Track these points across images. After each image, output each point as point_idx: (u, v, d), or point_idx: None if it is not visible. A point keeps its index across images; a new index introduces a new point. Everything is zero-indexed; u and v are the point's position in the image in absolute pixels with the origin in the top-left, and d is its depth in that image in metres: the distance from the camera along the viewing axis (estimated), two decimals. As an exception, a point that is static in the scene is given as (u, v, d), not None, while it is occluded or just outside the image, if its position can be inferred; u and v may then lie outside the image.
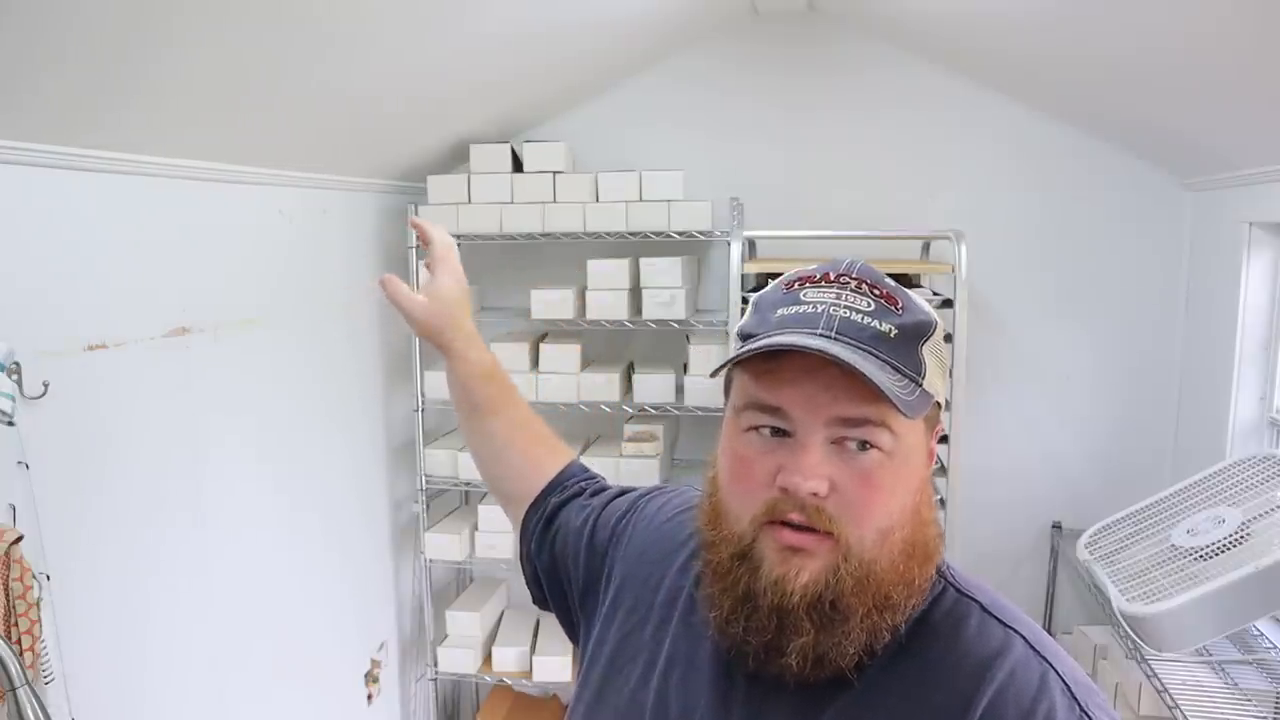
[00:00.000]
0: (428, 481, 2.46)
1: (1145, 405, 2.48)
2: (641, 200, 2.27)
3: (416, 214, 2.34)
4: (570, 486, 0.98)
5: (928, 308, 0.68)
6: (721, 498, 0.69)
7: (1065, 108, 2.35)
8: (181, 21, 1.23)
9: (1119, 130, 2.33)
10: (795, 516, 0.63)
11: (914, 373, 0.64)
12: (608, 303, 2.29)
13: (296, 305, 2.03)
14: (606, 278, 2.29)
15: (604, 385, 2.33)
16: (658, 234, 2.28)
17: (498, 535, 2.42)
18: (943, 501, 2.23)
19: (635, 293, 2.33)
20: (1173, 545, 1.76)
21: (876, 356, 0.63)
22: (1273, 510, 1.67)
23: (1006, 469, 2.52)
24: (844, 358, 0.61)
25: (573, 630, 0.92)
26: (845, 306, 0.65)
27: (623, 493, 0.96)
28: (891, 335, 0.64)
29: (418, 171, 2.42)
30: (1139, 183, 2.40)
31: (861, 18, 2.39)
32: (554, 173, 2.29)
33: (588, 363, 2.42)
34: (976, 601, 0.69)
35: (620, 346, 2.60)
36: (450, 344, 1.02)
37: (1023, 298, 2.49)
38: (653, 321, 2.29)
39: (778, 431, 0.65)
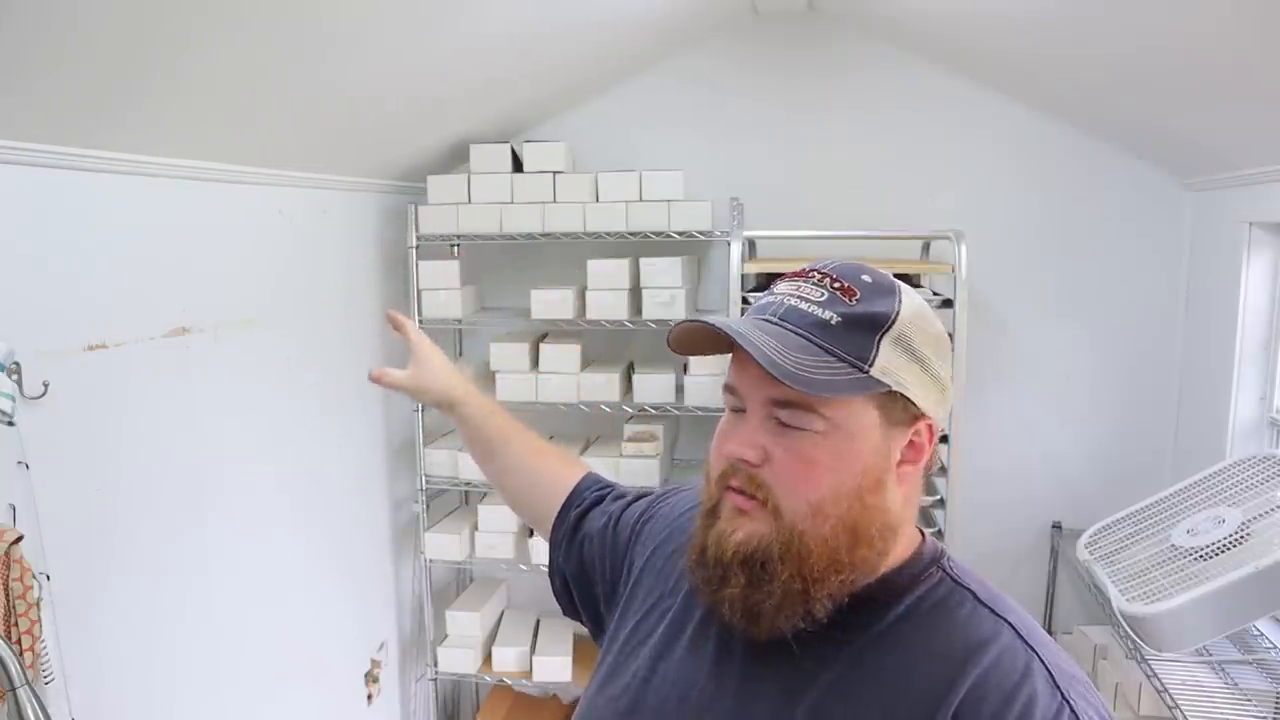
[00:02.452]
0: (428, 481, 2.46)
1: (1145, 405, 2.48)
2: (641, 200, 2.27)
3: (416, 213, 2.34)
4: (588, 496, 1.04)
5: (898, 303, 0.71)
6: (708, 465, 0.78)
7: (1065, 108, 2.35)
8: (181, 22, 1.23)
9: (1119, 130, 2.33)
10: (735, 482, 0.71)
11: (854, 357, 0.68)
12: (608, 303, 2.29)
13: (296, 305, 2.03)
14: (606, 278, 2.29)
15: (604, 385, 2.33)
16: (658, 234, 2.28)
17: (498, 535, 2.42)
18: (942, 501, 2.23)
19: (635, 293, 2.33)
20: (1173, 545, 1.76)
21: (809, 340, 0.68)
22: (1273, 510, 1.67)
23: (1006, 469, 2.52)
24: (747, 335, 0.67)
25: (602, 633, 0.96)
26: (798, 296, 0.72)
27: (642, 496, 1.02)
28: (832, 322, 0.69)
29: (418, 171, 2.42)
30: (1139, 183, 2.40)
31: (861, 18, 2.39)
32: (554, 173, 2.29)
33: (588, 363, 2.42)
34: (970, 591, 0.72)
35: (620, 346, 2.60)
36: (453, 395, 1.13)
37: (1023, 298, 2.49)
38: (653, 321, 2.29)
39: (739, 409, 0.73)
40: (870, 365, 0.68)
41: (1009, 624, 0.69)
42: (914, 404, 0.70)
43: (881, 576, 0.73)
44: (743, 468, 0.71)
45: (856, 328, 0.69)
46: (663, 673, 0.78)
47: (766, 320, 0.71)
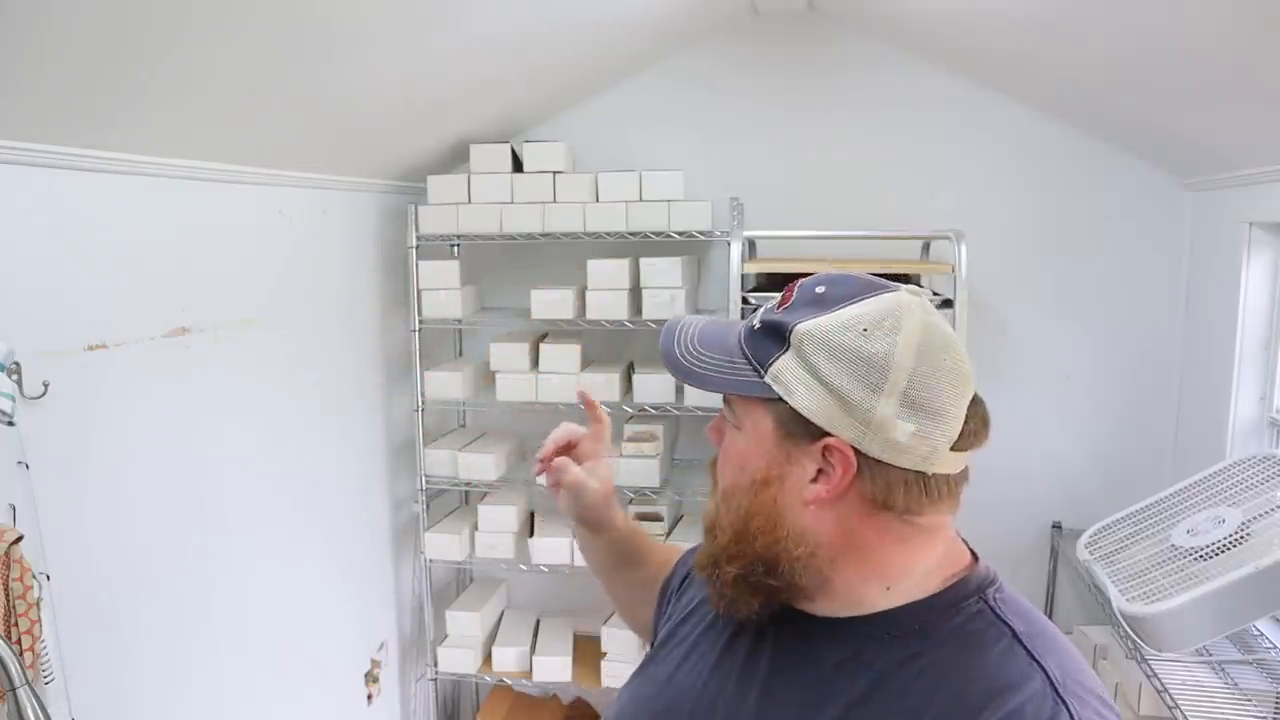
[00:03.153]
0: (428, 481, 2.46)
1: (1145, 405, 2.48)
2: (641, 200, 2.27)
3: (416, 213, 2.34)
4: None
5: (818, 315, 0.69)
6: None
7: (1065, 108, 2.35)
8: (181, 22, 1.23)
9: (1119, 130, 2.33)
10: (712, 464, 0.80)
11: (757, 361, 0.71)
12: (608, 303, 2.29)
13: (296, 305, 2.03)
14: (606, 278, 2.29)
15: (604, 385, 2.33)
16: (658, 234, 2.28)
17: (498, 535, 2.42)
18: (943, 501, 2.23)
19: (635, 293, 2.33)
20: (1173, 545, 1.76)
21: (738, 341, 0.74)
22: (1273, 510, 1.67)
23: (1006, 469, 2.52)
24: (673, 335, 0.77)
25: None
26: (768, 303, 0.77)
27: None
28: (755, 326, 0.73)
29: (418, 171, 2.42)
30: (1139, 183, 2.39)
31: (861, 18, 2.39)
32: (554, 173, 2.29)
33: (588, 363, 2.42)
34: (1010, 628, 0.69)
35: (620, 346, 2.60)
36: (610, 519, 1.06)
37: (1023, 298, 2.49)
38: (653, 321, 2.29)
39: None
40: (765, 371, 0.70)
41: (1043, 670, 0.64)
42: (811, 420, 0.68)
43: (914, 602, 0.71)
44: (717, 450, 0.79)
45: (768, 334, 0.71)
46: (694, 676, 0.80)
47: (735, 324, 0.77)
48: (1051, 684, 0.63)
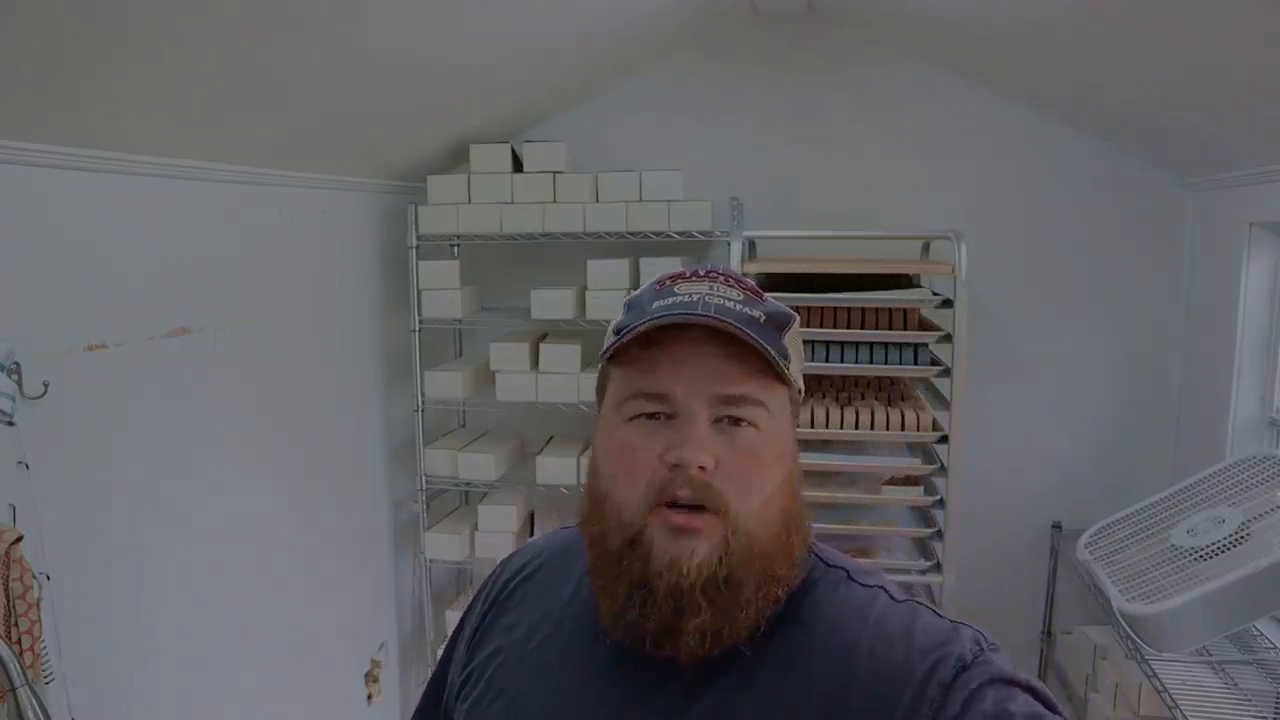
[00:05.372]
0: (428, 481, 2.46)
1: (1145, 405, 2.48)
2: (641, 200, 2.27)
3: (417, 213, 2.34)
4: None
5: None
6: (605, 488, 0.69)
7: (1065, 108, 2.35)
8: (182, 22, 1.23)
9: (1119, 130, 2.33)
10: (684, 493, 0.65)
11: (780, 354, 0.68)
12: (608, 303, 2.29)
13: (297, 305, 2.03)
14: (606, 278, 2.29)
15: (604, 385, 2.33)
16: (658, 234, 2.28)
17: (498, 535, 2.42)
18: (942, 502, 2.23)
19: (635, 293, 2.33)
20: (1173, 545, 1.77)
21: (748, 335, 0.66)
22: (1273, 510, 1.67)
23: (1006, 469, 2.52)
24: (731, 328, 0.66)
25: None
26: (719, 296, 0.69)
27: (457, 629, 0.88)
28: (761, 320, 0.69)
29: (418, 171, 2.42)
30: (1139, 183, 2.40)
31: (861, 18, 2.39)
32: (554, 173, 2.29)
33: (588, 363, 2.42)
34: (844, 570, 0.74)
35: (620, 346, 2.60)
36: None
37: (1023, 298, 2.49)
38: (653, 321, 2.29)
39: (660, 416, 0.67)
40: (787, 359, 0.69)
41: (884, 590, 0.72)
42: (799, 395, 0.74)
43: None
44: (695, 475, 0.64)
45: (774, 326, 0.70)
46: (549, 707, 0.71)
47: (703, 316, 0.66)
48: (891, 597, 0.71)
